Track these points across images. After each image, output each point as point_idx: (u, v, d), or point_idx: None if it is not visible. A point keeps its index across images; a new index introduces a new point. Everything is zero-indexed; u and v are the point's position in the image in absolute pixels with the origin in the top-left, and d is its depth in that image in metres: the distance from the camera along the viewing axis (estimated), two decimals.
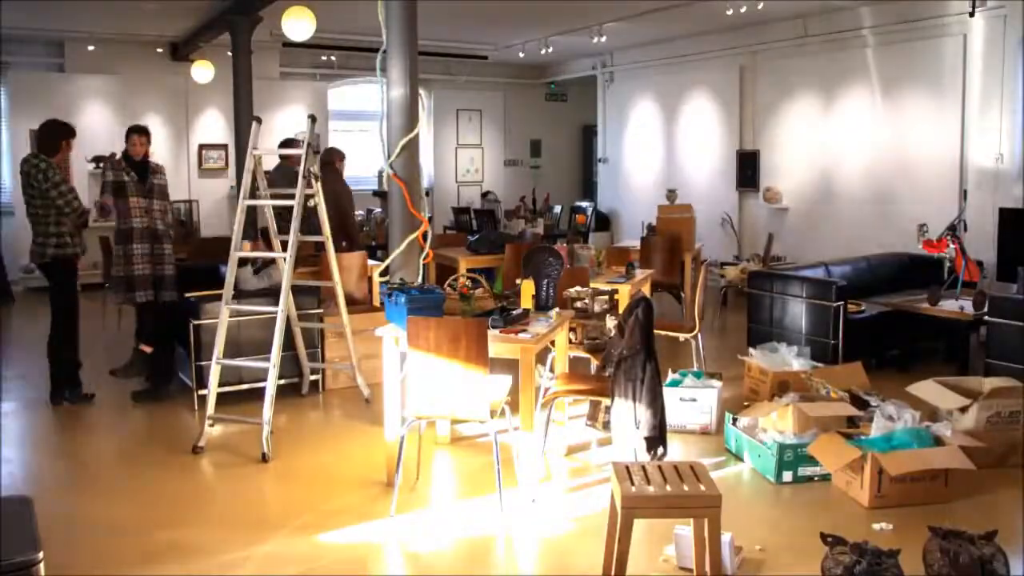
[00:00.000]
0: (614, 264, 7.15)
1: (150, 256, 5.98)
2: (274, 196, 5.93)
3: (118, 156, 6.00)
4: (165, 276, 6.07)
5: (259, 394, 5.18)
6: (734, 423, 4.94)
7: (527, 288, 5.08)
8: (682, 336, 6.26)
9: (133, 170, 5.97)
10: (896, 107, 8.87)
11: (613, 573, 3.09)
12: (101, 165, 6.26)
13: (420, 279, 5.32)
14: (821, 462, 4.39)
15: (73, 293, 5.98)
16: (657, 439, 4.19)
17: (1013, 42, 7.75)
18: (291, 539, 3.86)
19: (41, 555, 2.48)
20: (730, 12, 8.85)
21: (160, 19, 9.74)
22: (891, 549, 3.17)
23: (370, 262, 7.41)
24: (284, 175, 7.02)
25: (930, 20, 8.40)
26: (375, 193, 12.06)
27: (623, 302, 5.72)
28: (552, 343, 4.92)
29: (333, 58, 12.20)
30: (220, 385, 5.17)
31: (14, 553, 2.44)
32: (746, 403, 5.44)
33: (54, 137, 5.86)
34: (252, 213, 6.47)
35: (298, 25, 6.96)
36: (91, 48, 10.76)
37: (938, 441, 4.38)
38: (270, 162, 7.58)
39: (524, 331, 4.36)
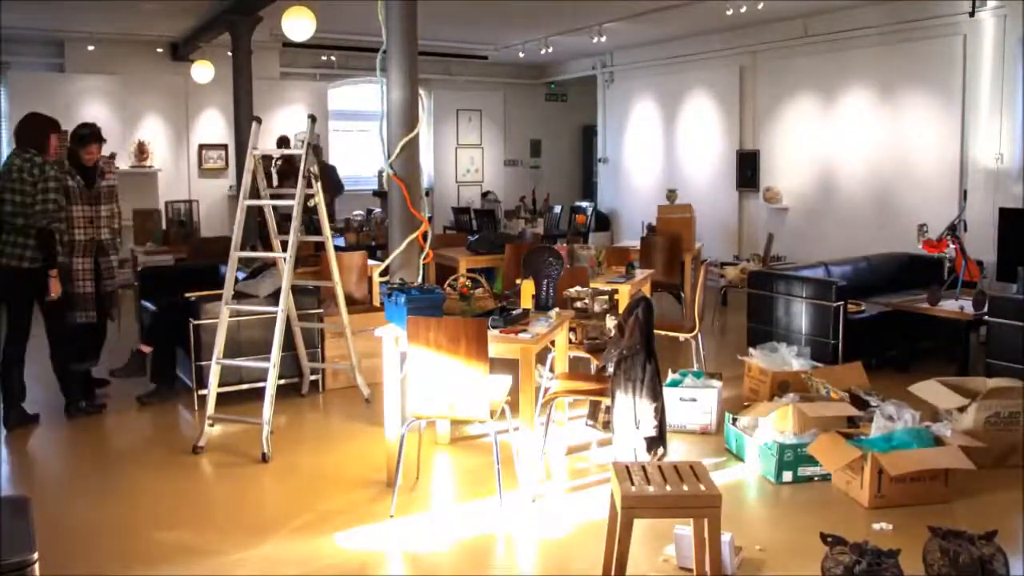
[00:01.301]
0: (614, 264, 7.14)
1: (93, 271, 5.48)
2: (274, 196, 5.92)
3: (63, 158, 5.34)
4: (113, 293, 5.64)
5: (259, 394, 5.18)
6: (734, 423, 4.93)
7: (527, 288, 5.07)
8: (682, 336, 6.26)
9: (80, 174, 5.38)
10: (896, 107, 8.86)
11: (613, 573, 3.09)
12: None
13: (420, 279, 5.31)
14: (821, 462, 4.39)
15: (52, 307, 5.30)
16: (657, 439, 4.19)
17: (1013, 42, 7.74)
18: (291, 539, 3.86)
19: (36, 556, 2.47)
20: (730, 12, 8.84)
21: (160, 19, 9.73)
22: (891, 549, 3.17)
23: (370, 262, 7.42)
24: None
25: (930, 20, 8.39)
26: (375, 193, 12.06)
27: (623, 302, 5.72)
28: (552, 343, 4.91)
29: (333, 58, 12.19)
30: (220, 385, 5.16)
31: (10, 553, 2.44)
32: (746, 403, 5.44)
33: (43, 131, 5.18)
34: (260, 214, 6.37)
35: (298, 25, 6.96)
36: (91, 48, 10.75)
37: (938, 441, 4.37)
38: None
39: (524, 331, 4.35)
